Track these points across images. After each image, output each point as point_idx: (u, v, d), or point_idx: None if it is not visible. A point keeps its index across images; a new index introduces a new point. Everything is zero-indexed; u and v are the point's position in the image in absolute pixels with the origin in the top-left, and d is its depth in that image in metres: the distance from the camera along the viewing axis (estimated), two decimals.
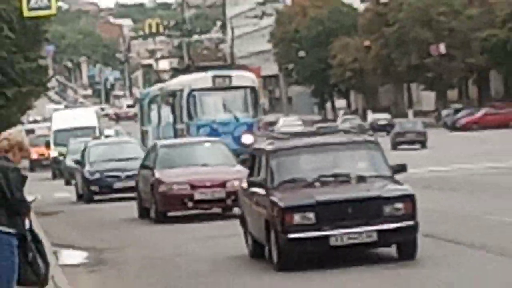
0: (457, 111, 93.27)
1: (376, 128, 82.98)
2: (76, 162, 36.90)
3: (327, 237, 16.18)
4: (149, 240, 24.39)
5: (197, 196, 25.25)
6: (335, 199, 16.41)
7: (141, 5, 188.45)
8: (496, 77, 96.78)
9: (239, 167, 26.65)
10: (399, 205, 16.53)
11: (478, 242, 20.51)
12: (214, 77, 34.33)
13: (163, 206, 26.21)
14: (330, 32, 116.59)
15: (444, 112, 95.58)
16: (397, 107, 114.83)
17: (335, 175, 17.26)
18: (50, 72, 75.89)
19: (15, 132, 11.30)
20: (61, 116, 54.01)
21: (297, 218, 16.31)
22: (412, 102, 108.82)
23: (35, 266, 10.69)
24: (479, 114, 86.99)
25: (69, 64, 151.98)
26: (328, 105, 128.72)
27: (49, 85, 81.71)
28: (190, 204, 25.37)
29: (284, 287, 16.21)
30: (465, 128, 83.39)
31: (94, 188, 34.42)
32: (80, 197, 36.87)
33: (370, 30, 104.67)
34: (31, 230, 10.96)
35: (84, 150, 38.74)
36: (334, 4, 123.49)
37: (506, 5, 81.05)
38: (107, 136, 54.53)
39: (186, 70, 42.55)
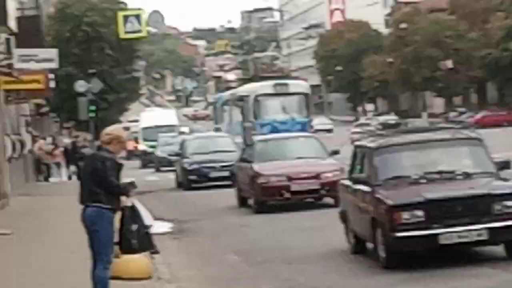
0: (461, 113, 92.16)
1: (386, 126, 78.87)
2: (176, 154, 36.02)
3: (436, 236, 14.00)
4: (249, 225, 23.17)
5: (294, 187, 24.26)
6: (445, 196, 14.25)
7: (213, 29, 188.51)
8: (492, 87, 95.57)
9: (331, 160, 25.81)
10: (509, 203, 14.20)
11: None
12: (275, 85, 35.11)
13: (262, 197, 25.05)
14: (361, 51, 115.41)
15: (451, 114, 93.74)
16: (414, 110, 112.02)
17: (440, 172, 15.18)
18: (142, 82, 77.00)
19: (115, 128, 12.23)
20: (148, 116, 54.87)
21: (405, 216, 14.21)
22: (425, 106, 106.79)
23: (137, 237, 11.55)
24: (479, 116, 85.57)
25: (157, 76, 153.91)
26: (360, 108, 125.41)
27: (141, 92, 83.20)
28: (287, 194, 24.35)
29: (391, 284, 14.19)
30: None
31: (192, 177, 33.76)
32: (179, 185, 36.27)
33: (393, 49, 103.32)
34: (133, 207, 11.80)
35: (183, 143, 37.79)
36: (365, 29, 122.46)
37: (499, 30, 79.92)
38: (182, 133, 53.23)
39: (252, 79, 42.87)
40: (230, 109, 42.11)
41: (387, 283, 13.72)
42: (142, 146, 49.45)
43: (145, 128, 49.58)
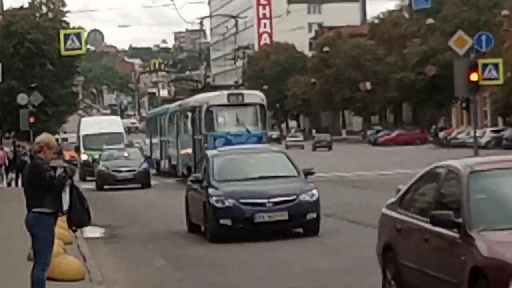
0: (378, 131, 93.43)
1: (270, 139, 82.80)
2: (196, 180, 20.70)
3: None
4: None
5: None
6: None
7: (148, 48, 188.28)
8: (407, 108, 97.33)
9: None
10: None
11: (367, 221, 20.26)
12: (229, 95, 33.12)
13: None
14: (286, 71, 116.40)
15: (369, 132, 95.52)
16: (334, 128, 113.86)
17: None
18: (80, 96, 76.68)
19: (43, 136, 12.04)
20: (89, 122, 48.63)
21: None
22: (345, 124, 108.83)
23: (87, 212, 11.66)
24: (394, 134, 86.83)
25: (94, 91, 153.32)
26: (284, 125, 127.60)
27: (79, 106, 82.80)
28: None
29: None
30: (384, 144, 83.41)
31: (225, 221, 18.19)
32: (205, 234, 23.28)
33: (316, 70, 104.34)
34: (76, 188, 11.68)
35: (205, 161, 22.18)
36: (290, 51, 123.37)
37: (415, 55, 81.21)
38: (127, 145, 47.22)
39: (203, 89, 41.12)
40: (177, 120, 40.06)
41: None
42: (83, 156, 43.02)
43: (86, 136, 43.03)
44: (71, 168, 12.47)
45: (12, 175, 45.15)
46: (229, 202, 18.69)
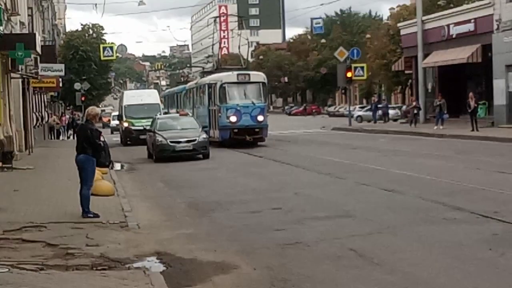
0: (291, 107, 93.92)
1: None
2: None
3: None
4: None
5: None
6: None
7: (154, 56, 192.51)
8: (309, 93, 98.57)
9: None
10: None
11: (295, 164, 20.08)
12: (238, 74, 30.20)
13: None
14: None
15: (286, 107, 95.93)
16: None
17: None
18: (112, 84, 78.88)
19: (90, 108, 12.45)
20: (131, 94, 40.78)
21: None
22: (272, 102, 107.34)
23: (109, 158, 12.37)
24: (301, 108, 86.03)
25: (121, 81, 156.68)
26: None
27: (112, 90, 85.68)
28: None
29: None
30: (295, 114, 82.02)
31: None
32: None
33: (255, 70, 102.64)
34: (105, 143, 12.28)
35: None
36: (239, 59, 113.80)
37: (314, 61, 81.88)
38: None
39: (215, 70, 37.18)
40: (193, 96, 36.22)
41: None
42: (125, 124, 35.77)
43: (128, 106, 35.95)
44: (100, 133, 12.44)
45: (70, 132, 46.34)
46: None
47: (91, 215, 11.64)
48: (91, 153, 11.90)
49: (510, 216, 10.10)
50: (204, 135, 23.19)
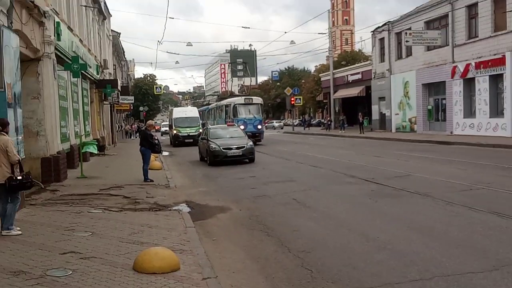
0: None
1: None
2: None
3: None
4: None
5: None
6: None
7: (184, 92, 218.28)
8: (270, 112, 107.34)
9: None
10: None
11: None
12: (245, 98, 31.94)
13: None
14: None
15: None
16: None
17: None
18: (161, 108, 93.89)
19: (149, 121, 15.08)
20: (179, 110, 42.08)
21: None
22: None
23: (160, 147, 14.03)
24: (266, 121, 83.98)
25: (166, 106, 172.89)
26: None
27: (160, 112, 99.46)
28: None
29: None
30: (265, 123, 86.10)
31: None
32: None
33: None
34: (158, 140, 14.23)
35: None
36: (234, 94, 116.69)
37: (273, 95, 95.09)
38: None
39: (230, 96, 39.29)
40: (214, 113, 36.75)
41: None
42: (174, 131, 38.01)
43: (176, 118, 38.41)
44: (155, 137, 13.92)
45: (137, 134, 52.19)
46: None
47: (149, 180, 13.39)
48: (148, 146, 13.94)
49: (381, 180, 11.79)
50: (251, 143, 19.20)
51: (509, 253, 5.90)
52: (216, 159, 18.49)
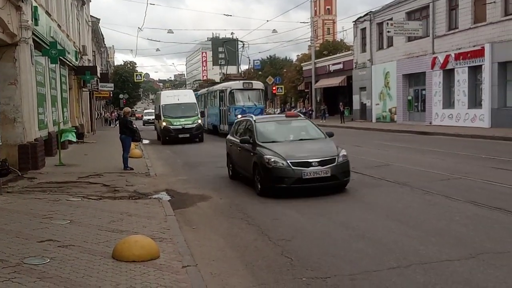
0: None
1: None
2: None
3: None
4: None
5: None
6: None
7: (164, 80, 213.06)
8: None
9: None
10: None
11: None
12: (243, 83, 28.66)
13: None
14: None
15: None
16: None
17: None
18: (141, 95, 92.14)
19: (125, 108, 14.94)
20: (168, 94, 29.01)
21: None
22: None
23: (139, 136, 13.78)
24: None
25: (146, 94, 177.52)
26: None
27: (140, 99, 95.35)
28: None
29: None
30: None
31: None
32: None
33: None
34: (136, 127, 14.04)
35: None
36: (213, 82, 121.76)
37: None
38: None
39: (225, 80, 34.74)
40: (205, 100, 32.94)
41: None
42: (164, 123, 26.40)
43: (165, 106, 27.11)
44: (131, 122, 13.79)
45: (116, 122, 50.99)
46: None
47: (129, 169, 13.50)
48: (128, 133, 14.00)
49: (361, 170, 12.08)
50: (345, 152, 10.09)
51: (484, 241, 5.97)
52: (281, 184, 9.57)
